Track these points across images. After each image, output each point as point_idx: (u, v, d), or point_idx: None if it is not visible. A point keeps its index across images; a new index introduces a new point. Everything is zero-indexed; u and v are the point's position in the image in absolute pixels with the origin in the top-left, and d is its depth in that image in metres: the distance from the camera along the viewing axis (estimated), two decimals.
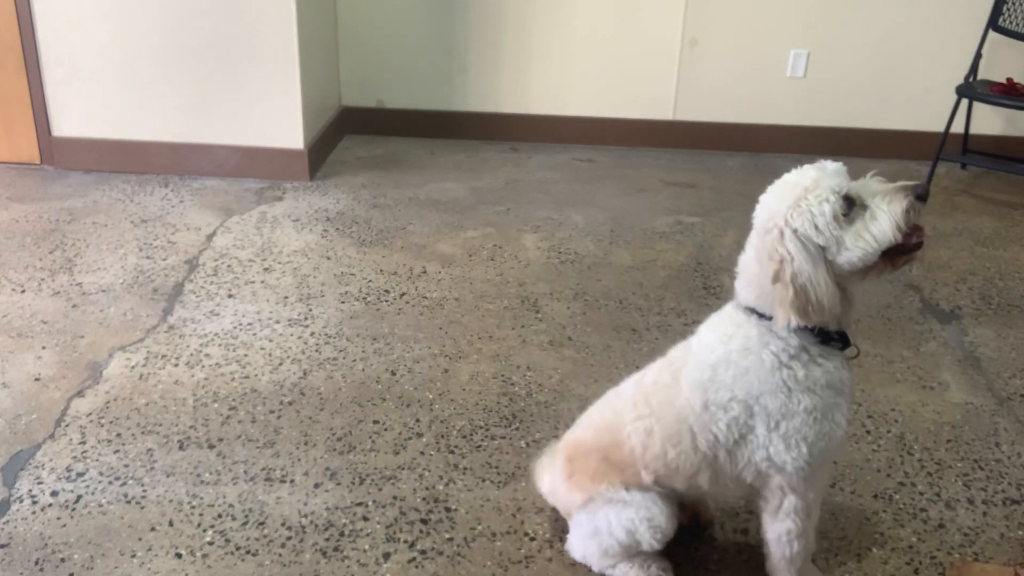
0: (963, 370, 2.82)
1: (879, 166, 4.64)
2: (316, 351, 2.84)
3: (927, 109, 4.58)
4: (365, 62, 4.74)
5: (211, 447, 2.39)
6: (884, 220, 1.60)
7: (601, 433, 1.91)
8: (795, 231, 1.62)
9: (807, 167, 1.68)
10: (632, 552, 1.91)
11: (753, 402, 1.72)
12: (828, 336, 1.70)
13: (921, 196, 1.61)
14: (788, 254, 1.61)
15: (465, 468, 2.34)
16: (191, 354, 2.80)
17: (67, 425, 2.46)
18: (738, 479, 1.81)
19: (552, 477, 2.05)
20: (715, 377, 1.74)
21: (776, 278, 1.63)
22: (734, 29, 4.56)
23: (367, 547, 2.07)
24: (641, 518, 1.85)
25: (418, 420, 2.52)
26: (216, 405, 2.56)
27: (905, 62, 4.58)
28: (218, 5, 3.94)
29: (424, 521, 2.16)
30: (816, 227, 1.61)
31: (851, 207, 1.62)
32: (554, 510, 2.19)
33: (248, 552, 2.05)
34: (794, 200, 1.63)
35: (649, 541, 1.87)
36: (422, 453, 2.39)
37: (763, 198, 1.70)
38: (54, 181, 4.12)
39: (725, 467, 1.79)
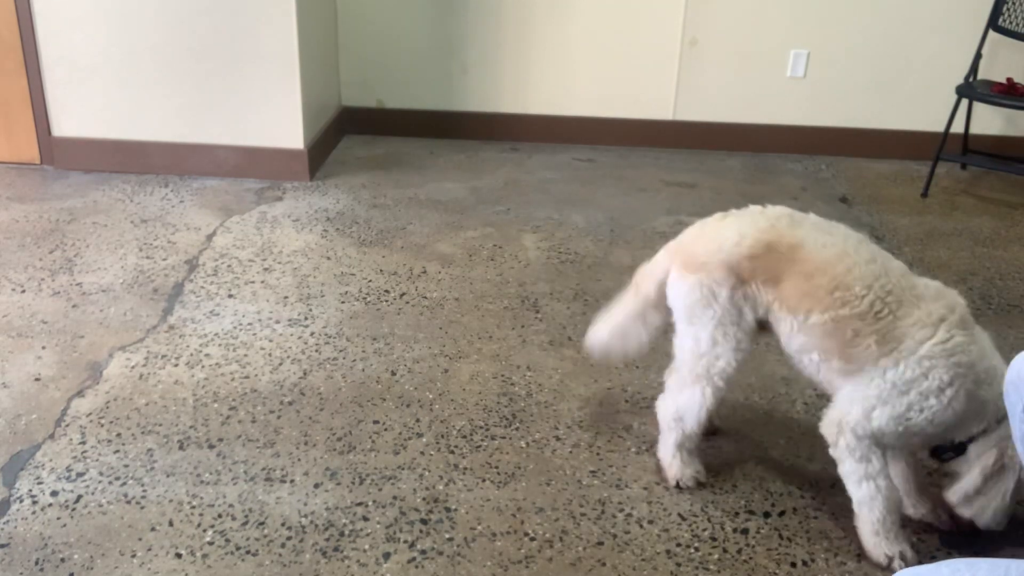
0: None
1: (879, 166, 4.66)
2: (316, 351, 2.84)
3: (927, 109, 4.58)
4: (365, 62, 4.73)
5: (211, 447, 2.39)
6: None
7: (830, 263, 2.04)
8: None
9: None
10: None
11: None
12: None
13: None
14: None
15: (465, 468, 2.34)
16: (191, 354, 2.80)
17: (67, 425, 2.46)
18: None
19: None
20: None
21: None
22: (734, 29, 4.56)
23: (367, 547, 2.07)
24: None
25: (418, 420, 2.52)
26: (216, 405, 2.56)
27: (905, 62, 4.57)
28: (218, 5, 3.94)
29: (424, 521, 2.16)
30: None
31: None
32: (554, 509, 2.19)
33: (248, 552, 2.05)
34: None
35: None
36: (422, 453, 2.39)
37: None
38: (54, 181, 4.12)
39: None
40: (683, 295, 2.15)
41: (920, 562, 2.04)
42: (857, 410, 2.00)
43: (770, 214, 2.14)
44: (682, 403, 2.20)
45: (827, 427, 2.06)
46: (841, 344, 2.00)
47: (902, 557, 2.02)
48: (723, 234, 2.12)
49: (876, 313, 1.97)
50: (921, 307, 1.98)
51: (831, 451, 2.06)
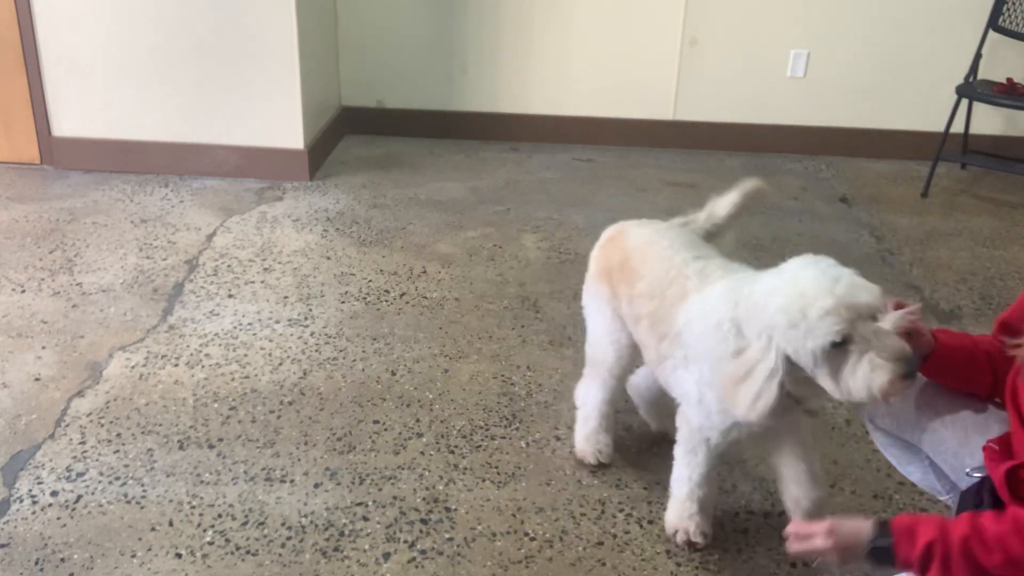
0: None
1: (879, 166, 4.66)
2: (316, 351, 2.84)
3: (927, 109, 4.58)
4: (365, 62, 4.73)
5: (211, 447, 2.39)
6: (860, 384, 1.58)
7: (632, 254, 2.11)
8: (779, 347, 1.65)
9: (829, 274, 1.62)
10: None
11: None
12: None
13: (910, 374, 1.58)
14: (759, 358, 1.67)
15: (465, 468, 2.34)
16: (191, 354, 2.80)
17: (67, 425, 2.46)
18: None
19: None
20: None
21: (736, 358, 1.71)
22: (734, 29, 4.56)
23: (367, 547, 2.07)
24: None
25: (418, 420, 2.52)
26: (216, 405, 2.56)
27: (905, 62, 4.57)
28: (218, 5, 3.94)
29: (424, 521, 2.16)
30: (800, 353, 1.63)
31: (845, 343, 1.59)
32: (554, 509, 2.19)
33: (248, 552, 2.05)
34: (794, 317, 1.61)
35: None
36: (422, 453, 2.39)
37: (771, 295, 1.66)
38: (54, 181, 4.12)
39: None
40: (586, 297, 2.30)
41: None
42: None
43: (632, 222, 2.25)
44: (581, 391, 2.36)
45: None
46: (634, 329, 2.08)
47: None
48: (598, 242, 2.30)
49: (650, 295, 2.01)
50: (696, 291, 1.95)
51: None
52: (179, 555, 2.04)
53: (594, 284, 2.24)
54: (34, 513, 2.15)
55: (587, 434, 2.35)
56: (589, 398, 2.32)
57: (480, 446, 2.42)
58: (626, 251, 2.13)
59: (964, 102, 4.31)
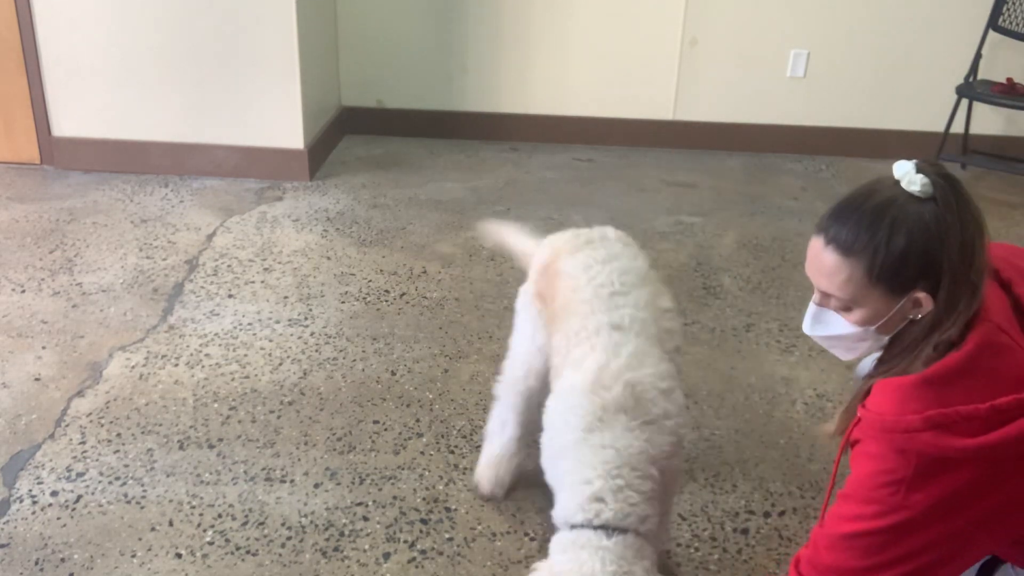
0: None
1: (879, 166, 4.64)
2: (316, 351, 2.84)
3: (927, 109, 4.58)
4: (365, 62, 4.73)
5: (211, 447, 2.39)
6: None
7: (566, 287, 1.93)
8: None
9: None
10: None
11: None
12: None
13: None
14: None
15: (465, 468, 2.34)
16: (191, 354, 2.80)
17: (67, 425, 2.46)
18: None
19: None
20: None
21: None
22: (734, 29, 4.56)
23: (367, 547, 2.08)
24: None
25: (418, 420, 2.52)
26: (216, 405, 2.56)
27: (905, 62, 4.57)
28: (218, 5, 3.94)
29: (424, 521, 2.16)
30: None
31: None
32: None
33: (248, 552, 2.05)
34: None
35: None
36: (422, 453, 2.39)
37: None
38: (54, 181, 4.12)
39: None
40: (519, 306, 2.14)
41: None
42: None
43: (567, 243, 2.02)
44: (495, 411, 2.26)
45: None
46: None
47: None
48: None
49: (557, 350, 1.88)
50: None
51: None
52: (179, 555, 2.04)
53: (529, 300, 2.07)
54: (34, 513, 2.15)
55: (488, 458, 2.22)
56: (506, 424, 2.18)
57: (480, 446, 2.42)
58: (555, 288, 1.93)
59: (964, 102, 4.31)
